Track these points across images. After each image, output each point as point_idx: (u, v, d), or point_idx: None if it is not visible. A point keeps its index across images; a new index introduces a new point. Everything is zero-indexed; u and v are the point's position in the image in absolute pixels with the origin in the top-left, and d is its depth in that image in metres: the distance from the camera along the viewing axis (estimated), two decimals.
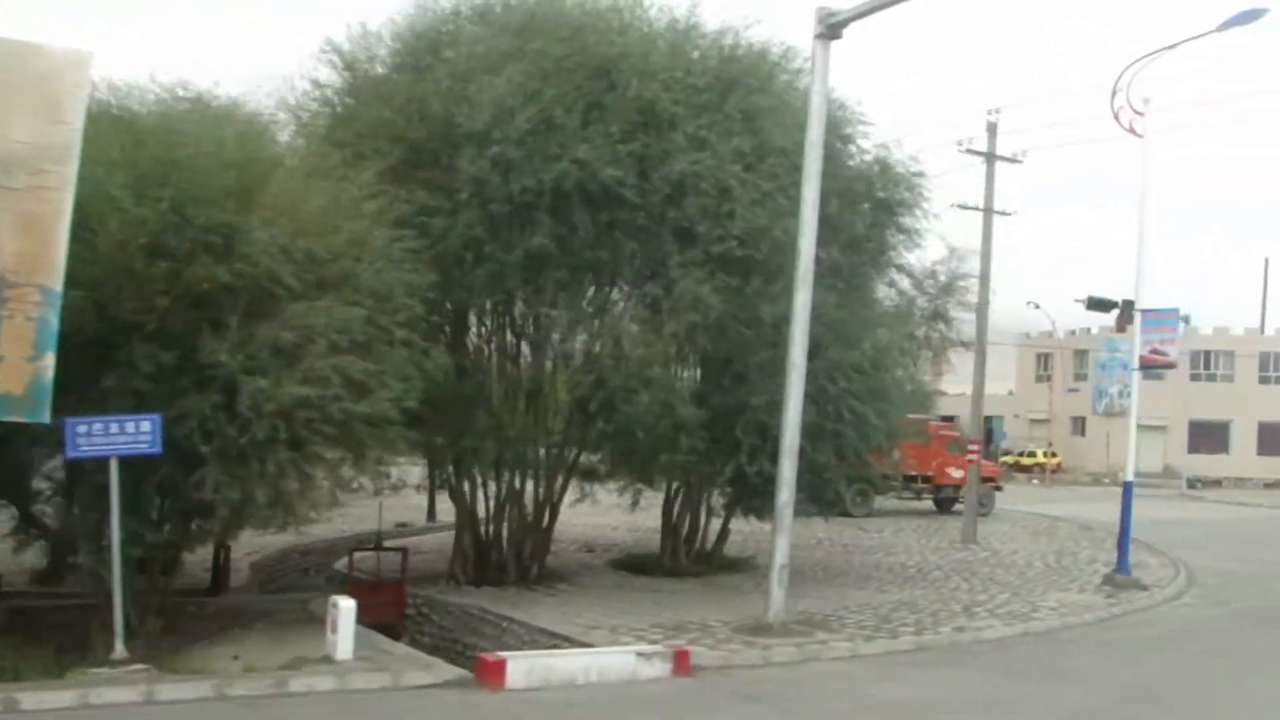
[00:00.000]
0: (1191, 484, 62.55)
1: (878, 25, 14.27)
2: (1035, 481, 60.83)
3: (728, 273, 14.92)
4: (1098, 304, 45.95)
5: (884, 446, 18.67)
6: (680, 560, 19.29)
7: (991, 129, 26.21)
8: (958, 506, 30.86)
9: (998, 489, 35.30)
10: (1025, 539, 27.61)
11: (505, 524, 17.68)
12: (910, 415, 20.53)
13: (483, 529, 17.78)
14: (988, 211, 26.32)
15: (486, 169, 14.20)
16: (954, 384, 79.01)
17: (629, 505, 19.78)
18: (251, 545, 18.53)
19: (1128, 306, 46.01)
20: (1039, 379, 72.52)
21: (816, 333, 14.49)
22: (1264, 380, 65.27)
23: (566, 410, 17.18)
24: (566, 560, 19.81)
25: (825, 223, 14.35)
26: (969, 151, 26.17)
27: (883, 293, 20.30)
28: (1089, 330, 68.54)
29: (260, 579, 19.56)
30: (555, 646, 12.83)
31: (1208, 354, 65.80)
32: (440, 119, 14.73)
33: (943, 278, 22.27)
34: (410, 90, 14.98)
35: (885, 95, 25.98)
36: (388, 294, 12.45)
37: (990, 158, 26.35)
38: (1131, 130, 18.84)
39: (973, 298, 24.70)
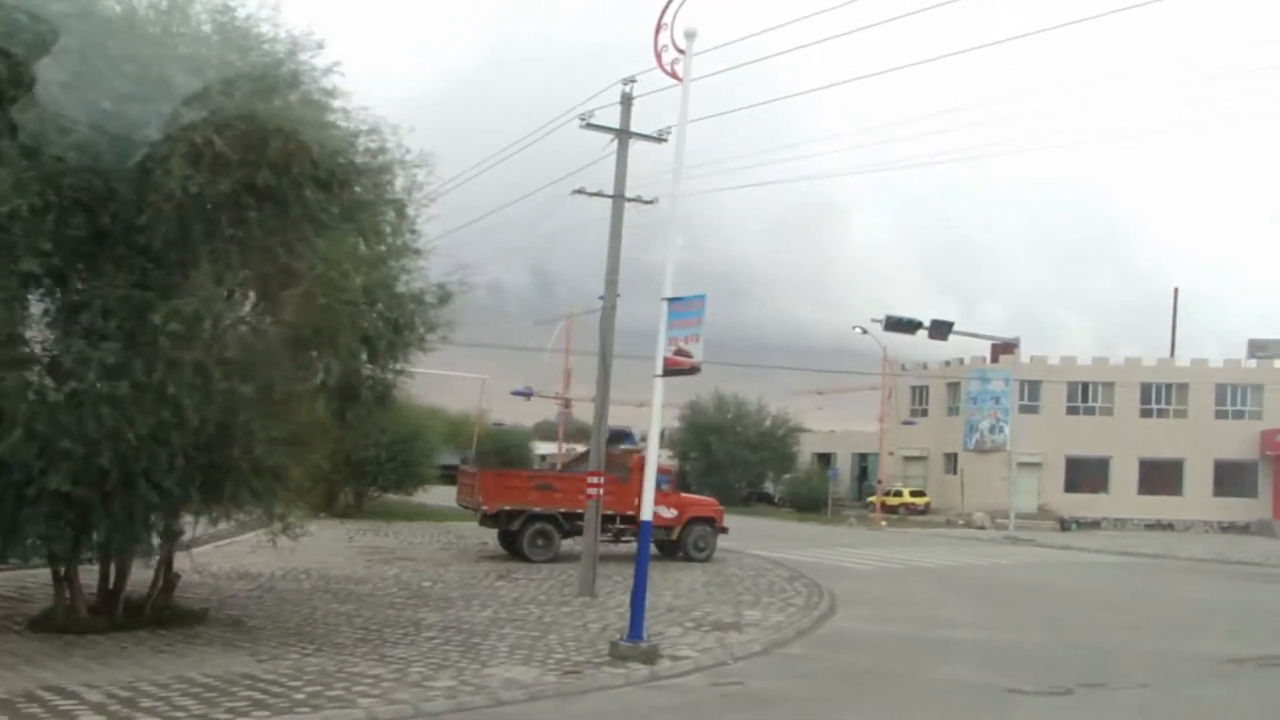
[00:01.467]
0: (1066, 526, 57.95)
1: None
2: (883, 523, 55.66)
3: None
4: (898, 324, 41.67)
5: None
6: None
7: (626, 100, 21.28)
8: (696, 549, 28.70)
9: (723, 530, 30.20)
10: (697, 590, 22.68)
11: None
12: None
13: None
14: (618, 199, 21.37)
15: None
16: (824, 420, 74.58)
17: None
18: None
19: (940, 327, 41.13)
20: (914, 413, 67.72)
21: None
22: (1146, 413, 60.79)
23: None
24: None
25: None
26: (591, 126, 21.17)
27: None
28: (961, 361, 64.04)
29: None
30: None
31: (1085, 385, 61.35)
32: None
33: None
34: None
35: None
36: None
37: (623, 134, 21.35)
38: (672, 73, 15.24)
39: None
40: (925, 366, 67.01)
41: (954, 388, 63.82)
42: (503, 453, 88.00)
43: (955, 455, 63.34)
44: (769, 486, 68.78)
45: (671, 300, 15.59)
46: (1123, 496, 60.13)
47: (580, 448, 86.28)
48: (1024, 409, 61.13)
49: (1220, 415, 60.21)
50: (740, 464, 65.08)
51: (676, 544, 28.92)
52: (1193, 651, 17.18)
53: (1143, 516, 59.59)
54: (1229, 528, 58.61)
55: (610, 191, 21.71)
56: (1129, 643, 17.96)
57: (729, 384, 71.05)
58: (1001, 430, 61.03)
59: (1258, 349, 60.93)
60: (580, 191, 22.11)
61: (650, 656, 14.04)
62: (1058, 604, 23.76)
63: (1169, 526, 59.13)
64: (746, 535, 41.75)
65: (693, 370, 15.92)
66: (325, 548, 26.43)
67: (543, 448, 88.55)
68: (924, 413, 67.06)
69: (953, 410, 63.93)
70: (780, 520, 56.75)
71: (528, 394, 61.93)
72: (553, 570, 25.00)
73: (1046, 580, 29.21)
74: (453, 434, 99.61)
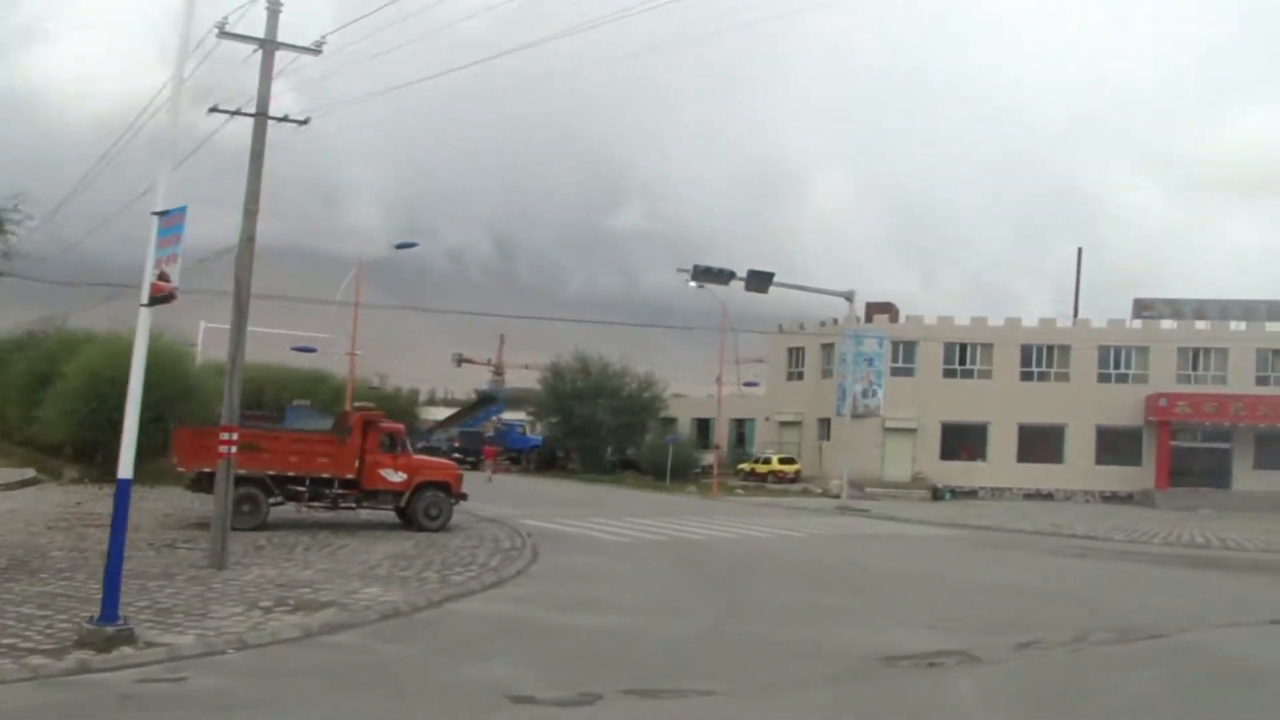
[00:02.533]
0: (939, 495, 54.43)
1: None
2: (738, 491, 51.72)
3: None
4: (708, 274, 37.61)
5: None
6: None
7: (273, 8, 17.23)
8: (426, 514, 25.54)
9: (460, 497, 26.56)
10: (375, 564, 19.25)
11: None
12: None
13: None
14: (260, 117, 17.48)
15: None
16: (701, 385, 70.40)
17: None
18: None
19: (758, 278, 37.51)
20: (790, 377, 63.84)
21: None
22: (1026, 377, 57.20)
23: None
24: None
25: None
26: (229, 36, 17.21)
27: None
28: (835, 321, 60.11)
29: None
30: None
31: (963, 347, 57.58)
32: None
33: None
34: None
35: None
36: None
37: (267, 45, 17.39)
38: None
39: None
40: (801, 327, 62.99)
41: (829, 349, 59.86)
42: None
43: (829, 421, 59.51)
44: (633, 453, 64.51)
45: (160, 215, 12.60)
46: (1001, 464, 56.64)
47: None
48: (899, 372, 57.50)
49: (1104, 379, 56.74)
50: (602, 429, 60.78)
51: (408, 511, 25.64)
52: (858, 645, 13.49)
53: (1022, 486, 56.19)
54: (1111, 498, 55.36)
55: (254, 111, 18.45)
56: (797, 633, 14.52)
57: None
58: (874, 394, 57.16)
59: (1143, 308, 57.37)
60: (217, 110, 18.44)
61: (111, 643, 11.33)
62: (779, 585, 19.66)
63: (1049, 496, 55.80)
64: (550, 502, 38.29)
65: (169, 298, 12.60)
66: (34, 511, 24.65)
67: (437, 414, 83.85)
68: (800, 376, 63.14)
69: (827, 373, 60.02)
70: (626, 488, 52.73)
71: (310, 350, 57.22)
72: (243, 539, 21.09)
73: (815, 555, 25.34)
74: (307, 394, 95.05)
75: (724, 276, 37.56)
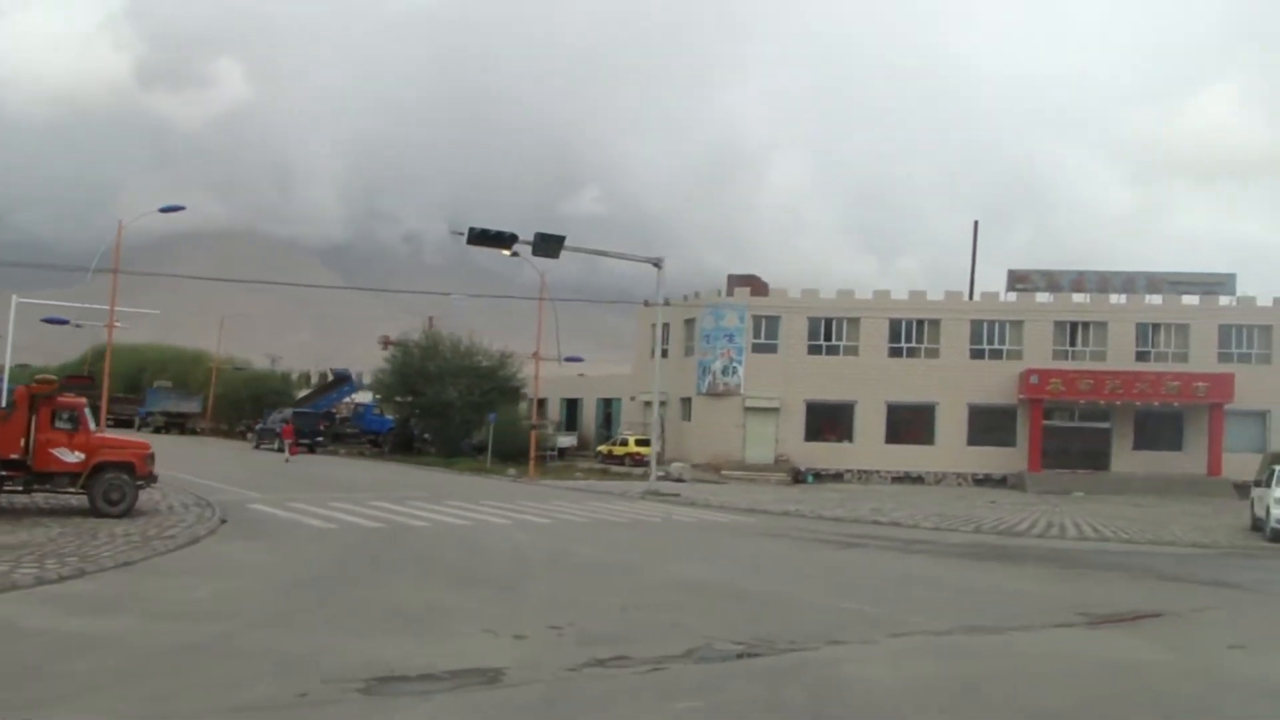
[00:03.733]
0: (800, 478, 50.90)
1: None
2: (577, 474, 47.81)
3: None
4: (485, 237, 33.68)
5: None
6: None
7: None
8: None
9: (148, 479, 22.62)
10: None
11: None
12: None
13: None
14: None
15: None
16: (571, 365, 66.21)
17: None
18: None
19: (548, 242, 34.32)
20: (653, 353, 59.87)
21: None
22: (895, 353, 53.67)
23: None
24: None
25: None
26: None
27: None
28: (696, 294, 56.42)
29: None
30: None
31: (829, 321, 53.94)
32: None
33: None
34: None
35: None
36: None
37: None
38: None
39: None
40: (666, 302, 59.08)
41: (691, 324, 56.08)
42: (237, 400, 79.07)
43: (690, 400, 55.80)
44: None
45: None
46: (869, 446, 53.16)
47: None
48: (761, 348, 53.85)
49: (976, 355, 53.32)
50: (453, 410, 56.53)
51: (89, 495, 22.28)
52: (374, 659, 10.38)
53: (891, 468, 52.79)
54: (984, 481, 52.08)
55: None
56: (320, 643, 11.07)
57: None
58: (735, 372, 53.67)
59: (1018, 280, 54.00)
60: None
61: None
62: (421, 582, 15.95)
63: (919, 479, 52.44)
64: (335, 486, 35.13)
65: None
66: None
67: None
68: (665, 353, 59.24)
69: (689, 350, 56.25)
70: (451, 472, 48.73)
71: (62, 321, 52.63)
72: None
73: (527, 545, 21.35)
74: (182, 375, 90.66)
75: (504, 240, 33.59)
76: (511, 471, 46.76)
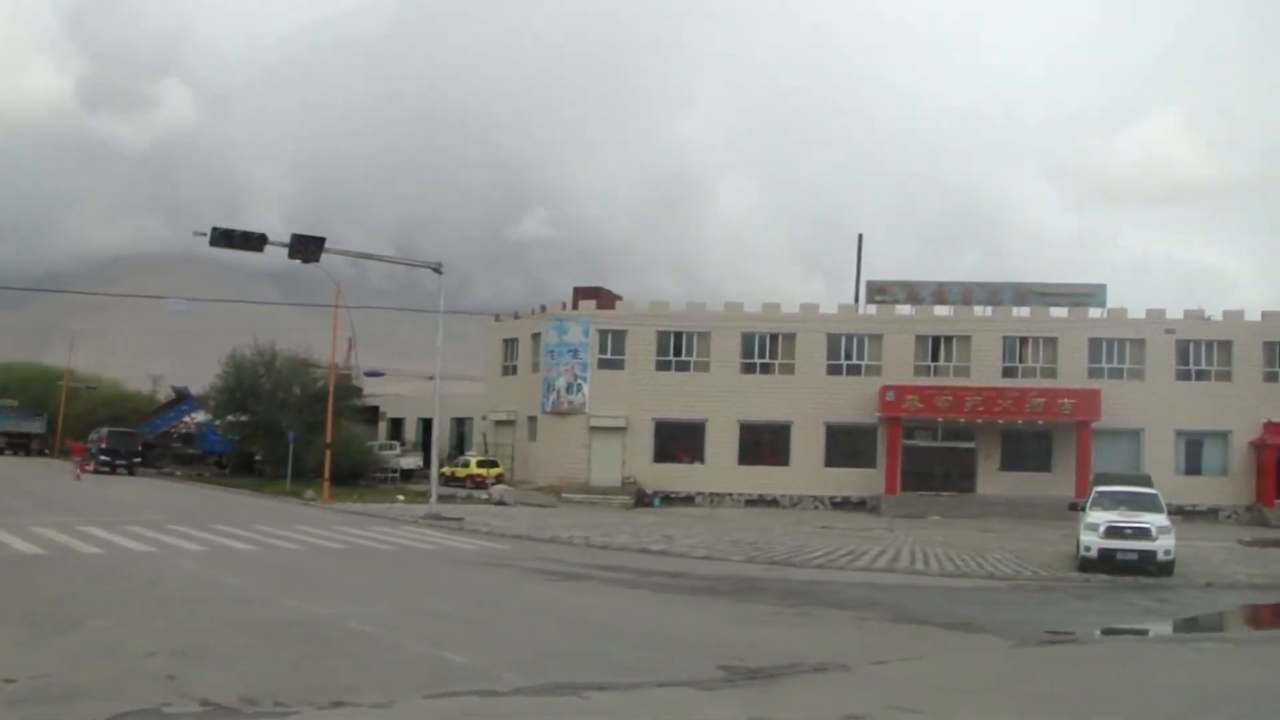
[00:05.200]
0: (646, 500, 47.54)
1: None
2: (399, 498, 43.96)
3: None
4: (230, 238, 30.06)
5: None
6: None
7: None
8: None
9: None
10: None
11: None
12: None
13: None
14: None
15: None
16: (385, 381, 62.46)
17: None
18: None
19: (305, 244, 29.10)
20: (505, 371, 56.42)
21: None
22: (748, 369, 50.53)
23: None
24: None
25: None
26: None
27: None
28: (543, 308, 53.07)
29: None
30: None
31: (679, 336, 50.71)
32: None
33: None
34: None
35: None
36: None
37: None
38: None
39: None
40: (516, 316, 55.65)
41: (539, 339, 52.60)
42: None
43: (536, 419, 52.27)
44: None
45: None
46: (721, 467, 49.91)
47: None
48: (607, 364, 50.49)
49: (834, 371, 50.29)
50: (280, 428, 52.34)
51: None
52: None
53: (744, 491, 49.55)
54: (843, 504, 49.00)
55: None
56: None
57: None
58: (579, 389, 50.22)
59: (877, 291, 51.20)
60: None
61: None
62: None
63: (774, 502, 49.25)
64: (91, 510, 31.16)
65: None
66: None
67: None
68: (514, 369, 55.75)
69: (536, 366, 52.74)
70: (252, 494, 44.80)
71: None
72: None
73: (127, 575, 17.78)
74: (25, 394, 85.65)
75: (253, 241, 29.88)
76: (309, 494, 42.80)
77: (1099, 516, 24.74)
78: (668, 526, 34.67)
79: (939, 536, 34.61)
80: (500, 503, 43.26)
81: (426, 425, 64.82)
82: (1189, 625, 19.17)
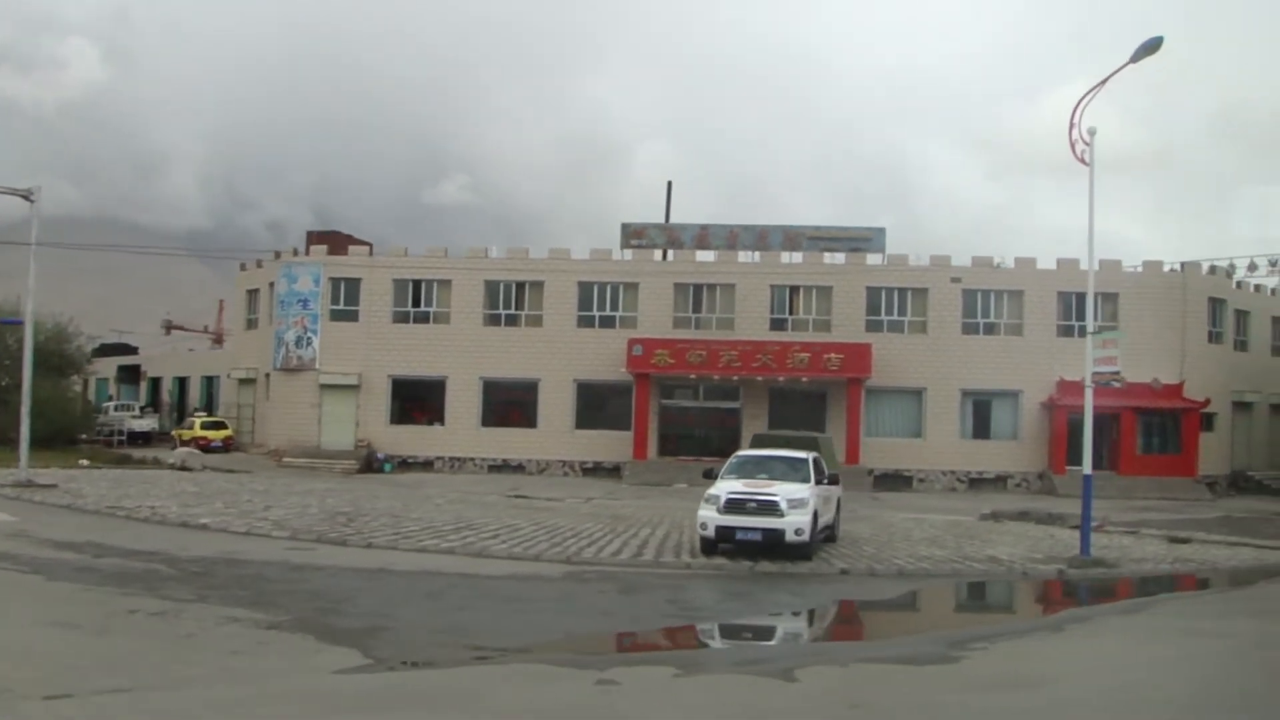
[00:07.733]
0: (379, 466, 43.51)
1: None
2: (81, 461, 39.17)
3: None
4: None
5: None
6: None
7: None
8: None
9: None
10: None
11: None
12: None
13: None
14: None
15: None
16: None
17: None
18: None
19: None
20: (249, 325, 51.78)
21: None
22: (492, 320, 46.46)
23: None
24: None
25: None
26: None
27: None
28: (276, 254, 48.39)
29: None
30: None
31: (418, 285, 46.30)
32: None
33: None
34: None
35: None
36: None
37: None
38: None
39: None
40: (260, 264, 50.90)
41: (275, 288, 47.97)
42: None
43: (270, 376, 47.80)
44: None
45: None
46: (463, 429, 45.71)
47: None
48: (340, 315, 46.02)
49: (585, 323, 46.10)
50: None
51: None
52: None
53: (488, 455, 45.44)
54: (594, 469, 45.04)
55: None
56: None
57: None
58: (309, 343, 45.73)
59: (633, 236, 47.00)
60: None
61: None
62: None
63: (519, 468, 45.20)
64: None
65: None
66: None
67: None
68: (255, 323, 51.15)
69: (272, 318, 48.16)
70: None
71: None
72: None
73: None
74: None
75: None
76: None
77: (723, 487, 20.32)
78: (340, 495, 29.71)
79: (637, 507, 30.52)
80: (184, 467, 38.79)
81: (180, 384, 60.25)
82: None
